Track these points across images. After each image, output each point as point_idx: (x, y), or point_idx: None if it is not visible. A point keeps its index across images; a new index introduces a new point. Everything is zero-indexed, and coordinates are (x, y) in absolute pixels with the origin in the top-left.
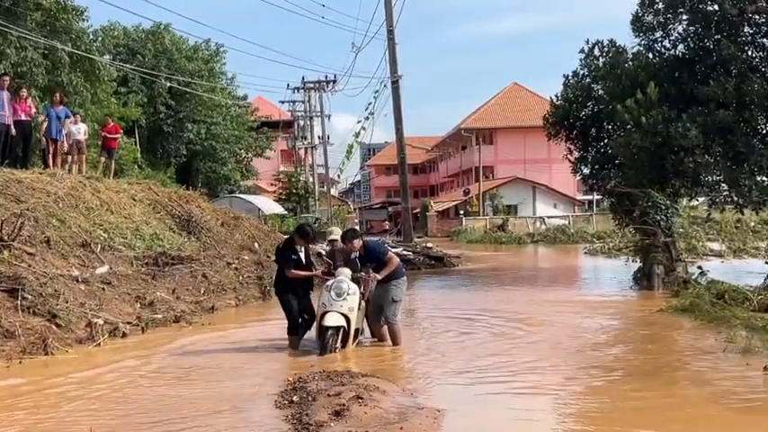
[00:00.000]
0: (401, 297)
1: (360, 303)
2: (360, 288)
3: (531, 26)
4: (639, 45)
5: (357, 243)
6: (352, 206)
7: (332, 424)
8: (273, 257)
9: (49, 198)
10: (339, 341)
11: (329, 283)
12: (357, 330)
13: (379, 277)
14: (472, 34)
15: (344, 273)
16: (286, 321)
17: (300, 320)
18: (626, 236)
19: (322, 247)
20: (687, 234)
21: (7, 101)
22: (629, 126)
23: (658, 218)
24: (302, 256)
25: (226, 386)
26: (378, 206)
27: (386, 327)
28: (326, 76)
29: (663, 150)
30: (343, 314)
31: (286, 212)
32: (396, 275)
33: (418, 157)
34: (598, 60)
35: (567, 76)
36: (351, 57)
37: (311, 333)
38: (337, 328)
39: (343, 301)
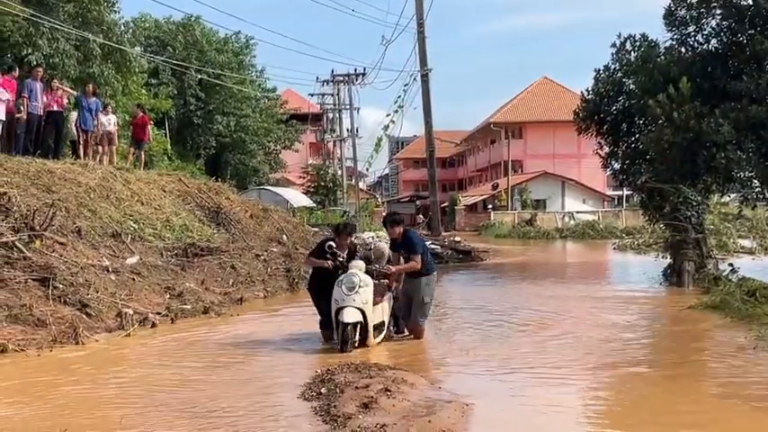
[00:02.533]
0: (432, 296)
1: (378, 296)
2: (373, 279)
3: (561, 20)
4: (672, 39)
5: (398, 230)
6: (380, 199)
7: (360, 416)
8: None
9: (81, 188)
10: (357, 335)
11: (341, 277)
12: (383, 323)
13: (393, 269)
14: (501, 29)
15: (357, 266)
16: (315, 315)
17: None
18: (656, 232)
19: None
20: (718, 231)
21: (40, 92)
22: (660, 121)
23: (689, 214)
24: (340, 253)
25: (253, 377)
26: (406, 200)
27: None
28: (356, 69)
29: (694, 146)
30: (357, 308)
31: (314, 205)
32: (427, 271)
33: (447, 150)
34: (630, 55)
35: (599, 70)
36: (380, 50)
37: None
38: (355, 324)
39: (355, 294)
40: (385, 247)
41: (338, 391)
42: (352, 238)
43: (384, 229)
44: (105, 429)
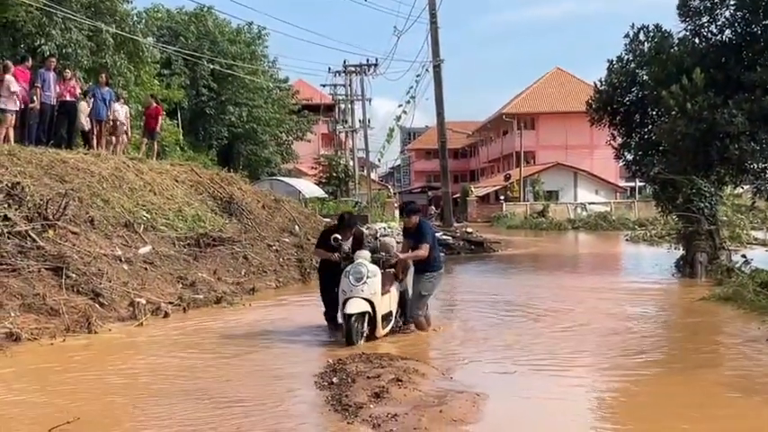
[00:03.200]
0: (431, 291)
1: (385, 286)
2: (380, 268)
3: (575, 11)
4: (686, 30)
5: (414, 219)
6: (392, 190)
7: (371, 405)
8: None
9: (93, 178)
10: (365, 327)
11: (348, 268)
12: (390, 313)
13: (400, 257)
14: (514, 19)
15: (363, 255)
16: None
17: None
18: (669, 223)
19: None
20: (731, 222)
21: (53, 82)
22: (673, 112)
23: (702, 205)
24: (345, 245)
25: (265, 366)
26: (418, 190)
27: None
28: (368, 60)
29: (708, 137)
30: (365, 299)
31: (326, 196)
32: (433, 267)
33: (459, 141)
34: (643, 45)
35: (612, 61)
36: (393, 40)
37: None
38: (362, 314)
39: (363, 285)
40: (392, 241)
41: (350, 380)
42: (363, 228)
43: (397, 220)
44: (117, 417)
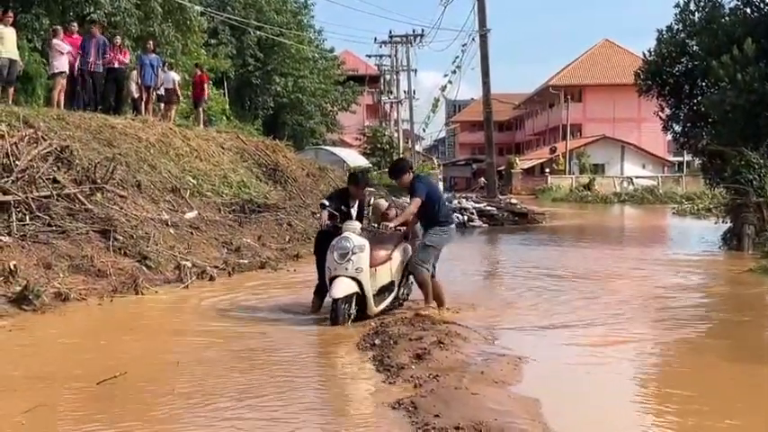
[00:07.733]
0: (436, 244)
1: (391, 251)
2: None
3: None
4: (737, 0)
5: (406, 178)
6: (436, 162)
7: (413, 366)
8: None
9: (141, 144)
10: (353, 308)
11: (333, 241)
12: (392, 284)
13: (390, 225)
14: None
15: (350, 227)
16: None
17: None
18: (716, 197)
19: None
20: None
21: (102, 48)
22: (723, 83)
23: (751, 177)
24: (353, 210)
25: (308, 329)
26: (462, 163)
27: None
28: (414, 30)
29: (758, 108)
30: (351, 278)
31: (370, 166)
32: (439, 222)
33: (504, 114)
34: (694, 15)
35: (662, 30)
36: (439, 9)
37: None
38: (349, 296)
39: (347, 262)
40: (383, 203)
41: (392, 342)
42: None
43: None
44: (163, 373)
